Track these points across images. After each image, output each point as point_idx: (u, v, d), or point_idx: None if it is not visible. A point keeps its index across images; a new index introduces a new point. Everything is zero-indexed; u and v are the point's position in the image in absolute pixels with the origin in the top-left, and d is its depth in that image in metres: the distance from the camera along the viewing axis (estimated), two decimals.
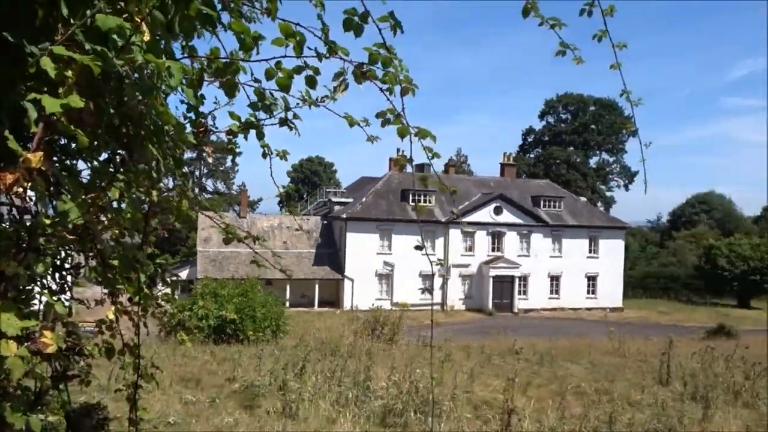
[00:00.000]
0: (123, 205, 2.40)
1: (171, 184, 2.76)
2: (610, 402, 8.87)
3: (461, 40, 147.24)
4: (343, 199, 46.10)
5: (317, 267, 41.94)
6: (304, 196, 61.06)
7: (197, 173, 66.26)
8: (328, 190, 52.69)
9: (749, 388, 10.38)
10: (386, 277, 42.48)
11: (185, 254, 49.05)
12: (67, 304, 2.48)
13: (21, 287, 2.00)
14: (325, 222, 44.70)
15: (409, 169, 2.71)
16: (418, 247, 3.03)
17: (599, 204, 70.64)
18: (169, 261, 43.74)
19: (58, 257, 2.61)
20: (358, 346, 13.35)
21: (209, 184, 70.66)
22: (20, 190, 1.72)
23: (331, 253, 42.84)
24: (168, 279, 2.82)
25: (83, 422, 2.74)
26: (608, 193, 78.84)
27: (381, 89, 2.56)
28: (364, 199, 43.25)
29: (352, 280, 41.63)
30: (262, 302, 18.59)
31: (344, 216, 41.92)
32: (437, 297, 43.15)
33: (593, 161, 78.65)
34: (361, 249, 41.62)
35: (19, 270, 1.85)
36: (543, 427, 7.32)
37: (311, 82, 2.59)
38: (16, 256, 1.89)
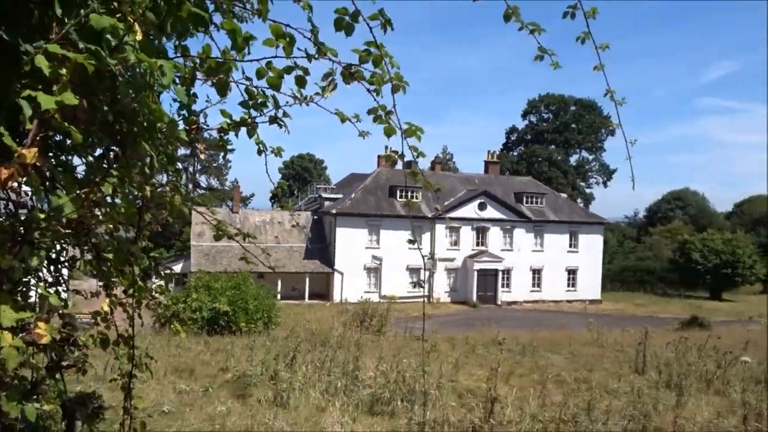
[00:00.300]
0: (117, 200, 2.44)
1: (164, 180, 2.82)
2: (588, 390, 9.05)
3: (451, 41, 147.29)
4: (332, 195, 46.24)
5: (308, 261, 42.02)
6: (295, 192, 61.05)
7: (191, 169, 65.96)
8: (318, 186, 52.81)
9: (720, 377, 10.61)
10: (374, 271, 42.68)
11: (179, 248, 48.89)
12: (64, 295, 2.54)
13: (17, 280, 2.04)
14: (315, 217, 44.78)
15: (399, 165, 2.76)
16: (411, 241, 3.10)
17: (579, 200, 71.82)
18: (164, 255, 43.62)
19: (54, 251, 2.66)
20: (347, 337, 13.48)
21: (203, 180, 70.39)
22: (15, 184, 1.76)
23: (321, 247, 42.93)
24: (162, 272, 2.88)
25: (79, 411, 2.79)
26: (588, 190, 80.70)
27: (368, 90, 2.59)
28: (353, 195, 43.41)
29: (341, 274, 41.77)
30: (254, 295, 18.68)
31: (334, 211, 42.05)
32: (424, 289, 43.38)
33: (573, 159, 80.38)
34: (351, 243, 41.80)
35: (14, 263, 1.88)
36: (524, 414, 7.46)
37: (301, 82, 2.62)
38: (11, 250, 1.93)
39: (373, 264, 42.48)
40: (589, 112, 77.16)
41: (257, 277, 21.35)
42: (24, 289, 2.14)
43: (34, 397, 2.39)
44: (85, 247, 2.58)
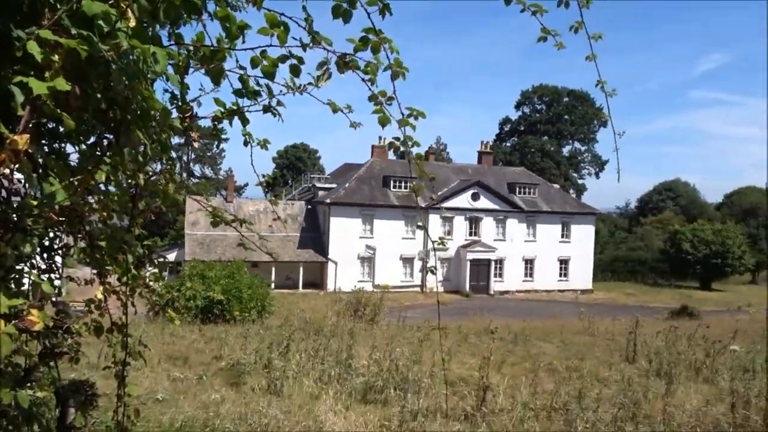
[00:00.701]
0: (111, 188, 2.44)
1: (158, 169, 2.81)
2: (579, 378, 9.12)
3: (445, 33, 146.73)
4: (326, 185, 46.24)
5: (302, 250, 42.03)
6: (289, 181, 60.99)
7: (185, 158, 65.65)
8: (312, 175, 52.75)
9: (709, 365, 10.71)
10: (368, 260, 42.79)
11: (173, 237, 48.76)
12: (57, 283, 2.54)
13: (9, 267, 2.03)
14: (309, 207, 44.75)
15: (392, 156, 2.75)
16: (419, 227, 3.12)
17: (571, 191, 72.35)
18: (158, 243, 43.25)
19: (47, 238, 2.65)
20: (341, 326, 13.51)
21: (197, 169, 70.12)
22: (6, 171, 1.75)
23: (315, 236, 42.94)
24: (156, 260, 2.87)
25: (72, 398, 2.79)
26: (580, 181, 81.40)
27: (363, 79, 2.58)
28: (347, 185, 43.41)
29: (335, 263, 41.81)
30: (249, 284, 18.71)
31: (328, 201, 42.05)
32: (417, 279, 43.63)
33: (566, 150, 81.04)
34: (344, 233, 41.84)
35: (6, 250, 1.88)
36: (516, 402, 7.52)
37: (295, 71, 2.60)
38: (3, 237, 1.92)
39: (367, 253, 42.57)
40: (581, 103, 77.58)
41: (251, 266, 21.40)
42: (17, 276, 2.13)
43: (28, 384, 2.39)
44: (79, 235, 2.58)
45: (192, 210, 38.52)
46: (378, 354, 9.26)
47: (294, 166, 72.50)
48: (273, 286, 31.85)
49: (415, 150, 2.78)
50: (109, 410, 2.99)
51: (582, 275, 48.56)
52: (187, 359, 10.08)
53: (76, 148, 2.34)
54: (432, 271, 3.31)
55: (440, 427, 6.83)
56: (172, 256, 38.51)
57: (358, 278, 40.49)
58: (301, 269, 41.33)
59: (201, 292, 17.49)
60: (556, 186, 55.08)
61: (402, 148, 2.80)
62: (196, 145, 2.87)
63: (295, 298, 32.67)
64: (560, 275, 48.55)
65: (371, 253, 42.59)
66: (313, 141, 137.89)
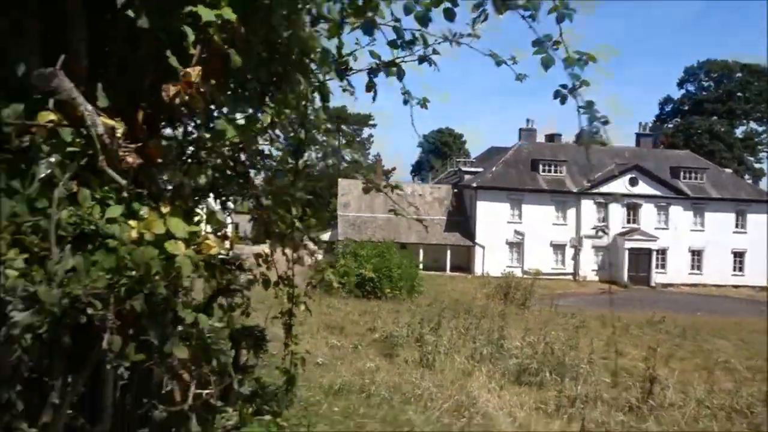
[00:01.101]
0: (274, 151, 2.53)
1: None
2: (764, 380, 8.08)
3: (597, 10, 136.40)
4: (472, 169, 45.77)
5: (448, 233, 42.10)
6: (435, 166, 61.47)
7: (336, 144, 69.21)
8: (458, 159, 52.48)
9: None
10: (516, 246, 41.67)
11: (327, 218, 51.99)
12: (227, 217, 2.66)
13: (186, 196, 2.13)
14: (455, 191, 44.61)
15: (571, 100, 2.51)
16: (587, 181, 2.85)
17: (747, 176, 63.55)
18: (313, 224, 46.46)
19: (219, 190, 2.77)
20: (491, 308, 13.33)
21: (347, 154, 73.55)
22: (181, 101, 1.81)
23: (461, 220, 42.78)
24: (318, 213, 2.92)
25: (245, 341, 2.92)
26: (757, 165, 70.59)
27: (523, 17, 2.41)
28: (493, 169, 42.61)
29: (483, 247, 41.30)
30: (398, 263, 19.24)
31: (474, 185, 41.58)
32: (569, 267, 41.61)
33: (740, 131, 70.62)
34: (492, 217, 41.09)
35: (184, 179, 2.01)
36: (689, 398, 6.82)
37: (449, 15, 2.51)
38: (181, 167, 2.05)
39: (515, 239, 41.49)
40: (758, 78, 67.69)
41: (399, 247, 21.90)
42: (191, 208, 2.22)
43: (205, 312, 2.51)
44: (245, 191, 2.69)
45: (344, 192, 40.57)
46: (531, 337, 8.96)
47: (439, 151, 72.78)
48: (421, 266, 32.32)
49: (584, 93, 2.53)
50: (274, 363, 3.11)
51: (761, 270, 42.50)
52: (343, 329, 10.57)
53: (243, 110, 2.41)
54: (604, 231, 2.99)
55: (601, 416, 6.36)
56: (326, 237, 40.76)
57: (506, 263, 39.60)
58: (448, 252, 41.41)
59: (354, 270, 18.34)
60: (728, 170, 49.27)
61: (570, 98, 2.56)
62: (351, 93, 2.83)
63: (443, 280, 32.81)
64: (734, 269, 43.35)
65: (519, 239, 41.41)
66: (458, 125, 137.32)
